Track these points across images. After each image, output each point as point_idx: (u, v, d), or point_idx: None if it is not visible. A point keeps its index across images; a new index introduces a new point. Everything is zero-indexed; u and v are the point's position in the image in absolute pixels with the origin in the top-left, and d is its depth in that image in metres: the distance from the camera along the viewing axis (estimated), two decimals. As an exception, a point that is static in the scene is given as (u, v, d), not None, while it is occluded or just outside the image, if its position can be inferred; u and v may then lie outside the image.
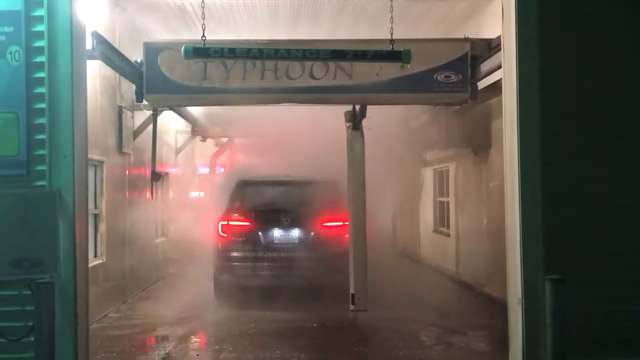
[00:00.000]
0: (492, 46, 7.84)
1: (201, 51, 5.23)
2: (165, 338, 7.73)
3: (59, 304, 4.69)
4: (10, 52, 4.79)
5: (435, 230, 13.29)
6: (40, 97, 4.84)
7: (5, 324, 4.68)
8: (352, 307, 8.23)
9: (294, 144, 9.78)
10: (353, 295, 8.25)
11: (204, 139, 14.54)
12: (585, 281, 4.98)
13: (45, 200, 4.78)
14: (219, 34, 8.42)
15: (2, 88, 4.79)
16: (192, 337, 7.93)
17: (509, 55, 5.25)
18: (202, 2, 5.29)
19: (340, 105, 8.69)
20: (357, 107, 8.62)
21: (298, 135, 9.92)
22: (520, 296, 5.09)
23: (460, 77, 8.34)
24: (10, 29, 4.78)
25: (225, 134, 14.15)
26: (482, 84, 8.46)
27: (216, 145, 15.47)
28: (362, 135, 8.65)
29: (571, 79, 5.09)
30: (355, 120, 8.68)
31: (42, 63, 4.83)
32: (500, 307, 6.90)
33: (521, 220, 5.10)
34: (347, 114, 8.96)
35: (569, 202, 5.07)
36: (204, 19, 5.23)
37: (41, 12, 4.83)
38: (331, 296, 8.84)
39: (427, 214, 13.84)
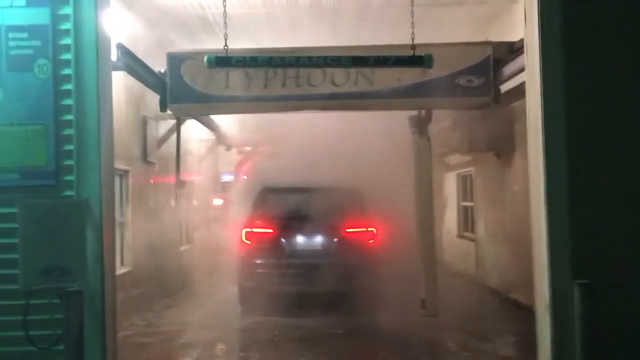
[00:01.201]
0: (514, 49, 7.78)
1: (223, 60, 5.27)
2: (191, 345, 7.78)
3: (88, 312, 4.74)
4: (39, 65, 4.89)
5: (459, 235, 13.19)
6: (67, 109, 4.92)
7: (35, 332, 4.75)
8: (422, 312, 8.39)
9: (316, 152, 9.80)
10: (424, 300, 8.37)
11: (228, 148, 14.64)
12: (614, 285, 4.89)
13: (73, 210, 4.86)
14: (241, 42, 8.50)
15: (31, 100, 4.89)
16: (218, 344, 7.97)
17: (532, 57, 5.20)
18: (224, 12, 5.35)
19: (366, 111, 8.74)
20: (423, 112, 8.76)
21: (319, 142, 9.94)
22: (548, 301, 5.01)
23: (483, 80, 8.30)
24: (38, 43, 4.88)
25: (248, 142, 14.24)
26: (505, 86, 8.39)
27: (239, 153, 15.57)
28: (428, 140, 8.79)
29: (596, 81, 5.02)
30: (421, 125, 8.83)
31: (69, 75, 4.92)
32: (526, 312, 6.83)
33: (547, 224, 5.03)
34: (412, 118, 9.07)
35: (596, 205, 4.99)
36: (226, 28, 5.28)
37: (68, 25, 4.92)
38: (355, 303, 8.83)
39: (451, 219, 13.74)
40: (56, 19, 4.91)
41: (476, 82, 8.26)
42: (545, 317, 5.03)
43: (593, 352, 4.52)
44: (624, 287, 4.92)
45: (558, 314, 4.90)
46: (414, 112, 9.16)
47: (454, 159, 13.07)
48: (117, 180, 8.28)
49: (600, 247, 4.95)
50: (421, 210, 9.08)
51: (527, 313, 7.08)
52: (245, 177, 15.82)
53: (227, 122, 12.60)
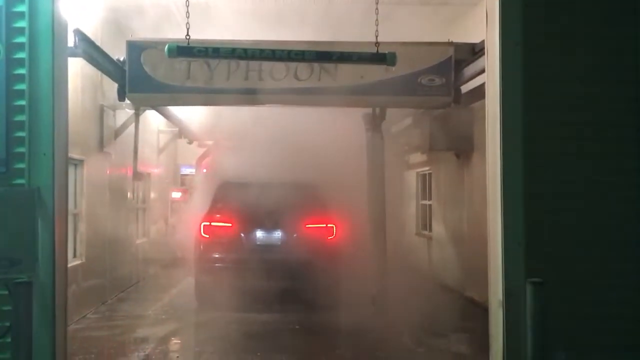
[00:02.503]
0: (476, 50, 7.89)
1: (185, 50, 5.18)
2: (145, 339, 7.65)
3: (37, 305, 4.62)
4: (-10, 48, 4.72)
5: (418, 233, 13.34)
6: (20, 94, 4.76)
7: (-18, 324, 4.60)
8: (372, 308, 8.41)
9: (277, 147, 9.76)
10: (374, 296, 8.42)
11: (190, 142, 14.44)
12: (565, 283, 5.03)
13: (25, 198, 4.71)
14: (204, 33, 8.38)
15: (-19, 84, 4.71)
16: (172, 338, 7.86)
17: (492, 59, 5.28)
18: (187, 1, 5.25)
19: (327, 107, 8.74)
20: (377, 110, 8.77)
21: (280, 137, 9.91)
22: (501, 299, 5.12)
23: (444, 80, 8.40)
24: (-10, 25, 4.70)
25: (209, 136, 14.07)
26: (466, 87, 8.51)
27: (200, 146, 15.38)
28: (381, 138, 8.82)
29: (555, 83, 5.14)
30: (374, 123, 8.85)
31: (22, 59, 4.76)
32: (480, 309, 6.95)
33: (503, 224, 5.13)
34: (366, 116, 9.07)
35: (550, 206, 5.11)
36: (188, 17, 5.19)
37: (23, 8, 4.76)
38: (313, 298, 8.83)
39: (410, 217, 13.88)
40: (10, 1, 4.74)
41: (438, 81, 8.35)
42: (498, 314, 5.13)
43: (543, 347, 4.63)
44: (574, 285, 5.06)
45: (511, 311, 5.01)
46: (369, 110, 9.22)
47: (415, 157, 13.21)
48: (71, 169, 8.07)
49: (552, 246, 5.08)
50: (373, 207, 9.13)
51: (480, 310, 7.22)
52: (205, 170, 15.65)
53: (188, 114, 12.42)
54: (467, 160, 10.02)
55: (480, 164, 7.97)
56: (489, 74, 5.38)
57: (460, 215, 10.26)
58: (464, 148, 9.86)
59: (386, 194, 9.48)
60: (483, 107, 5.61)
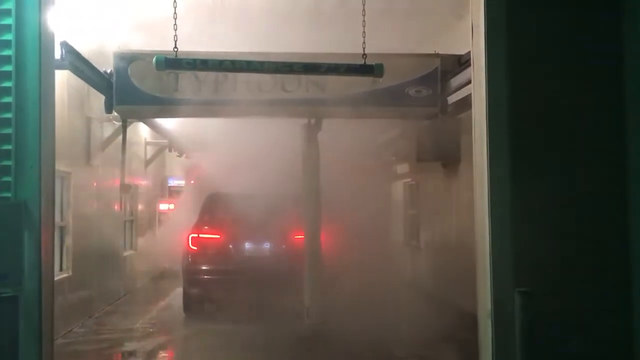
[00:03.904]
0: (462, 62, 7.97)
1: (173, 62, 5.19)
2: (132, 353, 7.59)
3: (23, 319, 4.56)
4: (-24, 61, 4.69)
5: (406, 244, 13.36)
6: (6, 107, 4.73)
7: (-34, 339, 4.53)
8: (307, 320, 8.25)
9: (261, 159, 9.74)
10: (308, 309, 8.29)
11: (180, 154, 14.40)
12: (553, 293, 5.05)
13: (11, 212, 4.66)
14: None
15: (-33, 97, 4.67)
16: (160, 352, 7.80)
17: (478, 70, 5.33)
18: (174, 13, 5.26)
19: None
20: (312, 121, 8.71)
21: (267, 149, 9.90)
22: (489, 309, 5.13)
23: (431, 91, 8.48)
24: (-24, 37, 4.68)
25: (197, 148, 14.02)
26: (452, 98, 8.58)
27: (187, 157, 15.33)
28: (317, 148, 8.74)
29: (541, 95, 5.19)
30: (310, 134, 8.77)
31: (9, 72, 4.73)
32: (470, 320, 6.95)
33: (490, 233, 5.15)
34: (303, 127, 8.99)
35: (538, 215, 5.14)
36: (175, 30, 5.20)
37: (9, 20, 4.74)
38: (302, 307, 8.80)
39: (398, 228, 13.91)
40: (-4, 13, 4.72)
41: (424, 92, 8.42)
42: (487, 324, 5.14)
43: (532, 357, 4.65)
44: (562, 295, 5.08)
45: (499, 321, 5.02)
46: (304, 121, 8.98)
47: (402, 168, 13.26)
48: (58, 182, 8.01)
49: (541, 255, 5.11)
50: (308, 218, 8.95)
51: (470, 319, 7.21)
52: (192, 182, 15.60)
53: (178, 127, 12.40)
54: (454, 171, 10.08)
55: (467, 174, 8.03)
56: (475, 84, 5.43)
57: (448, 225, 10.30)
58: (451, 158, 9.92)
59: (373, 205, 9.48)
60: (470, 118, 5.66)
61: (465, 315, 7.58)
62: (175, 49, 5.16)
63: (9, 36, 4.73)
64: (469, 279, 5.90)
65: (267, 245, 9.33)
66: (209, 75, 7.96)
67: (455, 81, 8.12)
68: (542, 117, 5.19)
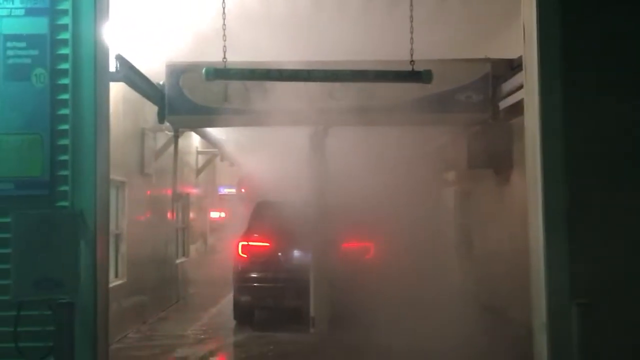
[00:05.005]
0: (513, 66, 7.79)
1: (222, 72, 5.27)
2: (184, 359, 7.69)
3: (79, 325, 4.69)
4: (36, 75, 4.87)
5: (457, 252, 13.11)
6: (63, 119, 4.90)
7: (26, 344, 4.69)
8: (311, 330, 8.21)
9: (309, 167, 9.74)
10: (313, 318, 8.24)
11: (231, 164, 14.59)
12: (612, 305, 4.84)
13: (68, 220, 4.81)
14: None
15: (27, 110, 4.86)
16: (211, 358, 7.89)
17: (530, 75, 5.20)
18: (224, 24, 5.34)
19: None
20: (319, 129, 8.66)
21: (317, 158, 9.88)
22: (545, 321, 4.96)
23: (482, 97, 8.32)
24: (35, 52, 4.87)
25: (247, 157, 14.18)
26: (504, 103, 8.39)
27: (234, 165, 15.53)
28: (324, 155, 8.67)
29: (596, 100, 5.01)
30: (316, 142, 8.73)
31: (66, 85, 4.90)
32: (523, 331, 6.74)
33: (545, 243, 4.99)
34: (310, 136, 8.94)
35: (595, 224, 4.95)
36: (225, 40, 5.28)
37: (66, 35, 4.92)
38: (351, 318, 8.74)
39: (448, 236, 13.67)
40: (55, 28, 4.91)
41: (475, 98, 8.28)
42: (542, 336, 4.98)
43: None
44: (621, 307, 4.87)
45: (555, 334, 4.85)
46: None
47: (452, 175, 13.05)
48: (113, 191, 8.24)
49: (600, 265, 4.91)
50: (317, 225, 8.77)
51: (524, 332, 6.98)
52: (243, 190, 15.79)
53: (227, 136, 12.57)
54: (506, 178, 9.84)
55: (520, 181, 7.82)
56: (527, 89, 5.30)
57: (501, 233, 10.05)
58: (503, 165, 9.69)
59: (423, 213, 9.34)
60: (522, 123, 5.51)
61: (520, 326, 7.37)
62: (224, 60, 5.23)
63: (66, 50, 4.91)
64: (523, 290, 5.74)
65: (316, 254, 9.30)
66: (257, 85, 8.03)
67: (507, 86, 7.94)
68: (600, 122, 5.01)
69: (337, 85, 7.97)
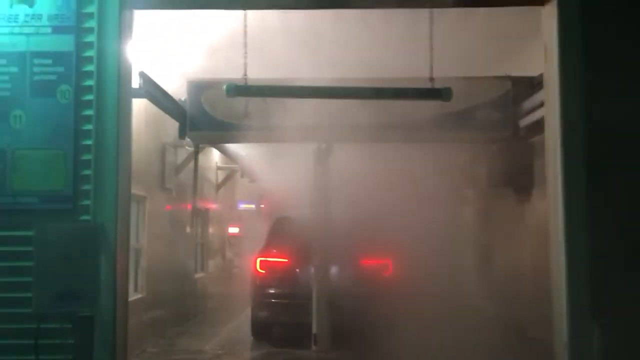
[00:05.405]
0: (534, 84, 7.76)
1: (243, 89, 5.34)
2: (201, 375, 7.70)
3: (98, 338, 4.72)
4: (61, 91, 4.97)
5: (477, 271, 12.99)
6: (87, 134, 4.98)
7: (46, 356, 4.73)
8: (314, 347, 8.15)
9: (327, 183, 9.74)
10: (315, 335, 8.18)
11: (252, 180, 14.66)
12: (635, 325, 4.76)
13: (89, 234, 4.87)
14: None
15: (52, 126, 4.95)
16: (228, 374, 7.88)
17: (551, 93, 5.17)
18: (245, 42, 5.42)
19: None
20: (323, 145, 8.67)
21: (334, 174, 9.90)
22: (566, 340, 4.89)
23: (502, 115, 8.28)
24: (61, 69, 4.97)
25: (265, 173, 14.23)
26: (525, 120, 8.34)
27: (253, 181, 15.56)
28: (326, 173, 8.67)
29: (618, 118, 4.96)
30: (321, 158, 8.74)
31: (90, 101, 4.99)
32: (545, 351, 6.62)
33: (567, 262, 4.93)
34: (314, 151, 8.96)
35: (617, 242, 4.88)
36: (245, 58, 5.35)
37: (91, 53, 5.01)
38: (369, 335, 8.68)
39: (468, 254, 13.56)
40: (80, 46, 5.01)
41: (495, 116, 8.24)
42: (563, 356, 4.90)
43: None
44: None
45: (577, 354, 4.77)
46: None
47: (472, 193, 12.96)
48: (134, 205, 8.33)
49: (621, 285, 4.83)
50: (318, 242, 8.76)
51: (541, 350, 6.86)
52: (262, 206, 15.84)
53: (248, 152, 12.63)
54: (527, 196, 9.75)
55: (541, 200, 7.74)
56: (548, 107, 5.27)
57: (522, 251, 9.94)
58: (523, 183, 9.61)
59: (443, 230, 9.28)
60: (542, 142, 5.47)
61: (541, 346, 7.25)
62: (245, 76, 5.29)
63: (91, 67, 5.01)
64: (545, 309, 5.66)
65: (333, 271, 9.29)
66: (278, 102, 8.09)
67: (528, 104, 7.91)
68: (623, 142, 4.95)
69: (356, 102, 8.00)
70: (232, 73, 7.02)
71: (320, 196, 8.91)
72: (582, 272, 4.86)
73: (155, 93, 7.78)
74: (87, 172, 4.96)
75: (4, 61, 4.94)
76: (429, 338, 8.48)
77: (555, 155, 5.06)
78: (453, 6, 5.24)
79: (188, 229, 11.49)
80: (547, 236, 5.27)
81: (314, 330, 8.33)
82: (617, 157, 4.94)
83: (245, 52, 5.42)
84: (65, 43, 4.98)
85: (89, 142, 4.97)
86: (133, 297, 8.17)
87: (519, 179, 9.52)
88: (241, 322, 10.33)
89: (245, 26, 5.36)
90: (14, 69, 4.94)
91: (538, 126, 7.27)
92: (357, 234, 9.26)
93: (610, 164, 4.94)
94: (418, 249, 9.44)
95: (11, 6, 4.98)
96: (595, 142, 4.93)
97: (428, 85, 5.42)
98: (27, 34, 4.98)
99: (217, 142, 10.36)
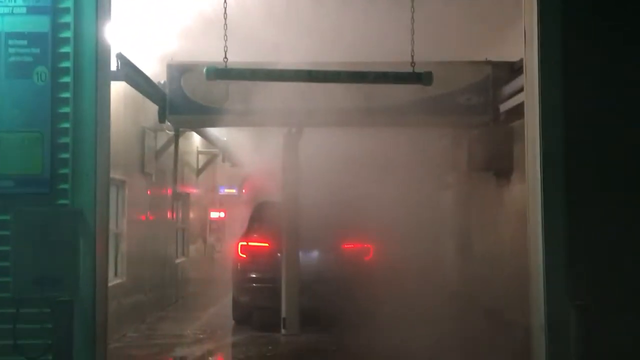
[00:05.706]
0: (514, 69, 7.81)
1: (223, 73, 5.28)
2: (183, 359, 7.70)
3: (78, 323, 4.69)
4: (37, 73, 4.88)
5: (457, 254, 13.12)
6: (64, 117, 4.91)
7: (25, 341, 4.70)
8: (283, 331, 8.21)
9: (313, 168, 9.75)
10: (284, 319, 8.24)
11: (233, 164, 14.59)
12: (610, 307, 4.85)
13: (67, 219, 4.82)
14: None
15: (28, 108, 4.88)
16: (209, 358, 7.89)
17: (531, 78, 5.20)
18: (225, 24, 5.36)
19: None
20: (293, 130, 8.65)
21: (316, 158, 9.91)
22: (543, 322, 4.97)
23: (482, 99, 8.33)
24: (37, 50, 4.88)
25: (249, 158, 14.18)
26: (505, 105, 8.40)
27: (234, 166, 15.52)
28: (297, 157, 8.68)
29: (596, 103, 5.02)
30: (290, 142, 8.73)
31: (67, 83, 4.91)
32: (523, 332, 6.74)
33: (544, 245, 5.00)
34: (285, 136, 8.94)
35: (594, 226, 4.96)
36: (226, 40, 5.29)
37: (68, 34, 4.93)
38: (350, 318, 8.75)
39: (448, 237, 13.68)
40: (56, 27, 4.92)
41: (475, 100, 8.28)
42: (540, 337, 4.98)
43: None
44: (620, 309, 4.88)
45: (554, 335, 4.86)
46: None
47: (452, 177, 13.05)
48: (113, 190, 8.24)
49: (598, 268, 4.92)
50: (287, 226, 8.78)
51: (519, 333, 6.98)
52: (244, 191, 15.79)
53: (229, 136, 12.57)
54: (506, 180, 9.84)
55: (521, 184, 7.82)
56: (528, 92, 5.31)
57: (501, 235, 10.06)
58: (503, 167, 9.69)
59: (423, 214, 9.34)
60: (522, 126, 5.52)
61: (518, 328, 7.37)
62: (225, 59, 5.24)
63: (67, 49, 4.92)
64: (522, 292, 5.74)
65: (314, 255, 9.32)
66: (259, 85, 8.04)
67: (508, 89, 7.95)
68: (601, 125, 5.02)
69: (337, 86, 7.98)
70: (213, 56, 6.96)
71: (290, 180, 8.87)
72: (559, 255, 4.94)
73: (134, 76, 7.68)
74: (65, 155, 4.89)
75: (-23, 42, 4.84)
76: (406, 321, 8.59)
77: (535, 140, 5.11)
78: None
79: (169, 214, 11.43)
80: (526, 219, 5.33)
81: (283, 314, 8.39)
82: (596, 141, 5.01)
83: (225, 35, 5.35)
84: (40, 23, 4.88)
85: (67, 125, 4.90)
86: (113, 282, 8.12)
87: (499, 163, 9.59)
88: (222, 306, 10.34)
89: (225, 8, 5.29)
90: (-13, 50, 4.84)
91: (518, 111, 7.32)
92: (337, 218, 9.28)
93: (589, 147, 5.00)
94: (398, 233, 9.51)
95: (-16, -15, 4.86)
96: (574, 126, 4.99)
97: (409, 69, 5.41)
98: (1, 14, 4.87)
99: (197, 126, 10.28)
